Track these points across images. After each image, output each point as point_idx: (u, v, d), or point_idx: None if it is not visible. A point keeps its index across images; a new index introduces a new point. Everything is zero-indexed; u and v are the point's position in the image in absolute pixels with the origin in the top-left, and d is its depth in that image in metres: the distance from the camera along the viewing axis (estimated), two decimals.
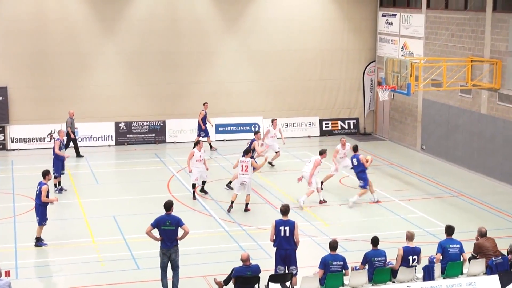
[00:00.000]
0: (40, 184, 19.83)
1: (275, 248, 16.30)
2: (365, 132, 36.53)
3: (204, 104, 31.72)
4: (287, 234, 16.18)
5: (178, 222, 16.28)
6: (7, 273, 15.22)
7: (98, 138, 33.22)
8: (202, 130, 31.26)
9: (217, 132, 34.45)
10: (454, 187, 26.26)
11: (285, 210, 16.43)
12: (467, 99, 29.09)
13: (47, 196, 19.74)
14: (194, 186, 24.56)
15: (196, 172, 24.24)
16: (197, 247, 19.66)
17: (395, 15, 34.36)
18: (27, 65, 32.63)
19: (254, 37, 34.85)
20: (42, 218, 19.79)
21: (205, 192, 24.94)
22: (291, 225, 16.24)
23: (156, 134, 33.97)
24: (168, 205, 16.45)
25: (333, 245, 15.77)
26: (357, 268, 15.87)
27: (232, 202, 22.99)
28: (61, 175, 25.29)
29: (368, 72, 36.43)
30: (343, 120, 36.48)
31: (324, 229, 21.16)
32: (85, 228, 21.43)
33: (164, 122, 34.05)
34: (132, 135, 33.66)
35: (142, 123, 33.87)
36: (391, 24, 34.75)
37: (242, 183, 22.74)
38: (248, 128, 34.91)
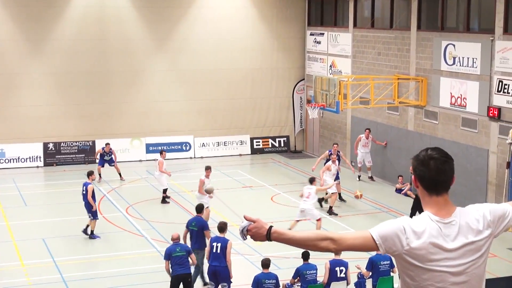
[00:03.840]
0: (85, 184, 22.09)
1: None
2: (295, 149, 36.84)
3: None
4: (218, 251, 16.28)
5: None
6: None
7: (26, 159, 32.63)
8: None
9: (148, 151, 34.27)
10: (383, 203, 26.68)
11: (220, 227, 16.67)
12: (394, 116, 29.66)
13: (93, 196, 21.91)
14: (165, 191, 26.33)
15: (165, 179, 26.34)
16: (130, 268, 19.48)
17: (323, 34, 34.85)
18: None
19: (184, 56, 34.85)
20: (94, 214, 21.91)
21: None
22: (224, 242, 16.34)
23: (85, 154, 33.58)
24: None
25: (266, 263, 15.84)
26: (289, 284, 15.96)
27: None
28: None
29: (297, 90, 36.81)
30: (273, 138, 36.72)
31: (256, 247, 21.22)
32: (14, 251, 21.01)
33: (94, 142, 33.68)
34: (61, 155, 33.18)
35: (71, 144, 33.45)
36: (319, 43, 35.23)
37: (301, 210, 22.27)
38: (179, 147, 34.83)
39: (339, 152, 27.33)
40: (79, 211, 25.11)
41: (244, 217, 4.75)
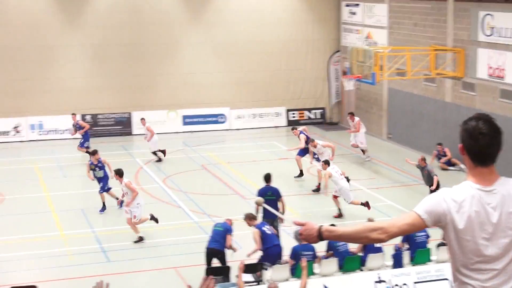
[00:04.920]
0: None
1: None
2: (331, 121, 36.76)
3: None
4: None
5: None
6: None
7: (64, 131, 32.95)
8: None
9: (184, 123, 34.44)
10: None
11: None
12: (431, 88, 29.44)
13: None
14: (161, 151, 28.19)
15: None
16: (167, 239, 19.71)
17: (358, 4, 34.58)
18: None
19: (220, 28, 34.84)
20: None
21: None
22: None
23: (122, 126, 33.86)
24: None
25: None
26: (325, 257, 16.04)
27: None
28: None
29: (333, 62, 36.65)
30: (309, 110, 36.67)
31: (294, 219, 21.23)
32: (53, 222, 21.34)
33: (130, 114, 33.94)
34: (98, 127, 33.48)
35: (108, 116, 33.74)
36: (354, 13, 34.97)
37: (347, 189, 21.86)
38: (215, 119, 34.95)
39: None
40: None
41: (294, 223, 4.88)
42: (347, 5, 35.64)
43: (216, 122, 34.75)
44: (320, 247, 16.40)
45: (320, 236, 4.77)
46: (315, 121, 36.52)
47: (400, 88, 31.35)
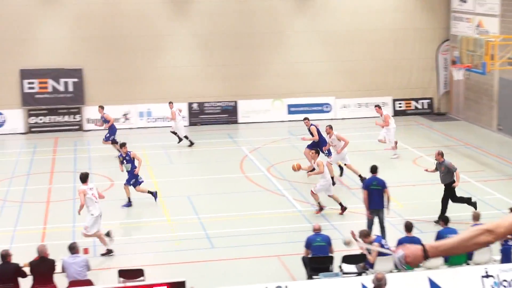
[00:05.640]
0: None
1: None
2: (439, 112, 36.00)
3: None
4: None
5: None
6: (86, 251, 15.58)
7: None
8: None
9: (289, 112, 34.45)
10: None
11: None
12: None
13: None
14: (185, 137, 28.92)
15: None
16: (271, 227, 19.77)
17: None
18: (101, 47, 33.21)
19: (325, 17, 34.65)
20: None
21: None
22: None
23: (228, 114, 34.18)
24: None
25: (409, 226, 15.68)
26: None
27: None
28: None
29: (442, 51, 35.85)
30: (416, 100, 36.02)
31: (398, 210, 20.98)
32: (160, 208, 21.75)
33: (236, 102, 34.22)
34: (205, 115, 33.93)
35: (215, 104, 34.12)
36: (465, 1, 34.06)
37: None
38: (320, 108, 34.80)
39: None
40: (223, 169, 25.68)
41: (391, 251, 4.82)
42: None
43: (321, 111, 34.60)
44: (428, 240, 16.10)
45: (425, 254, 4.66)
46: (422, 111, 35.83)
47: None
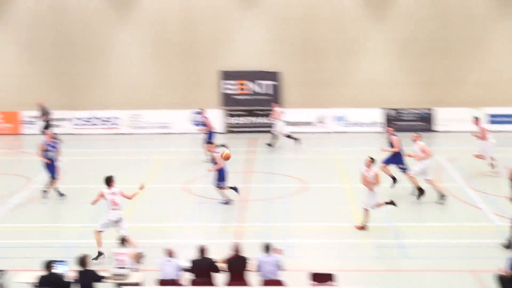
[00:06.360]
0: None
1: None
2: None
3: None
4: None
5: None
6: (278, 251, 15.69)
7: (364, 124, 33.54)
8: None
9: (492, 122, 32.97)
10: None
11: None
12: None
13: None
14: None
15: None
16: (465, 240, 19.15)
17: None
18: (298, 50, 33.86)
19: None
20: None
21: None
22: None
23: (425, 122, 33.60)
24: None
25: None
26: None
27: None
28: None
29: None
30: None
31: None
32: (349, 213, 21.59)
33: (431, 110, 33.58)
34: (401, 122, 33.47)
35: (411, 111, 33.66)
36: None
37: None
38: None
39: None
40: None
41: None
42: None
43: None
44: None
45: None
46: None
47: None
